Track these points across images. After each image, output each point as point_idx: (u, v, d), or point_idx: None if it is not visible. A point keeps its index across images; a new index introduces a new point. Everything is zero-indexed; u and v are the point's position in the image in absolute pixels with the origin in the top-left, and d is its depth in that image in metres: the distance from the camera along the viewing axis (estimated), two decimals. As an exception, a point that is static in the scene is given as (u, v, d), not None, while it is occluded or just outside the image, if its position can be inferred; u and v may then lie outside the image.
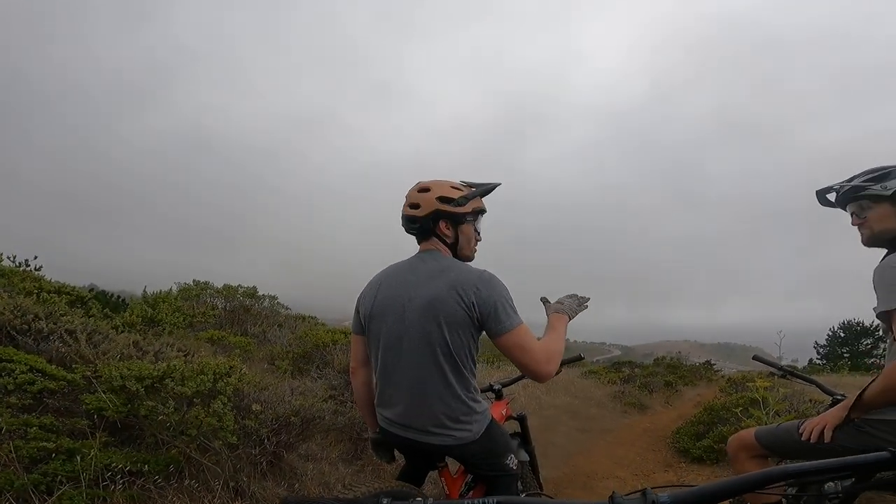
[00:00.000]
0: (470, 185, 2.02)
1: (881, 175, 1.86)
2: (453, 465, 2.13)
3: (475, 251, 2.06)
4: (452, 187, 1.96)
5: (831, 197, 2.03)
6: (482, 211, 2.05)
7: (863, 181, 1.89)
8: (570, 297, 2.10)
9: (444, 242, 1.98)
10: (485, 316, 1.81)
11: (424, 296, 1.85)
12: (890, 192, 1.82)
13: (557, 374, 2.87)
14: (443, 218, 1.94)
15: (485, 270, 1.90)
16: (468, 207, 1.96)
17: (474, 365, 1.92)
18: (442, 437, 1.88)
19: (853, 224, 1.96)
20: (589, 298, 2.12)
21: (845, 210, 1.99)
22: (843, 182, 1.96)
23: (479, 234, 2.06)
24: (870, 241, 1.91)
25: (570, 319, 2.04)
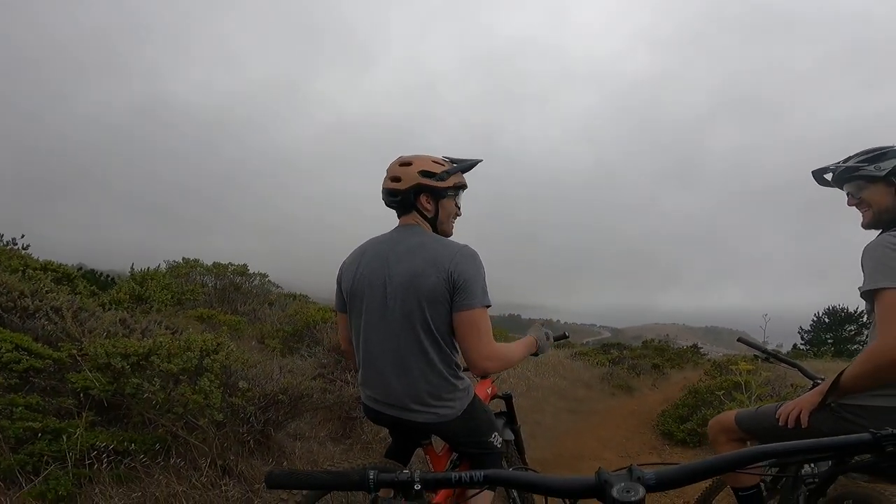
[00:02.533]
0: (452, 161, 2.01)
1: (876, 155, 1.85)
2: (438, 443, 2.15)
3: (453, 226, 2.07)
4: (434, 161, 1.95)
5: (828, 177, 2.03)
6: (463, 186, 2.03)
7: (857, 162, 1.88)
8: (547, 334, 2.22)
9: (425, 217, 1.97)
10: (456, 287, 1.80)
11: (405, 272, 1.84)
12: (884, 172, 1.81)
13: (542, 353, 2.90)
14: (424, 192, 1.93)
15: (466, 245, 1.90)
16: (449, 182, 1.95)
17: (455, 342, 1.92)
18: (425, 415, 1.89)
19: (849, 205, 1.96)
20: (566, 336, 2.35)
21: (842, 189, 1.98)
22: (838, 162, 1.96)
23: (459, 209, 2.06)
24: (871, 223, 1.90)
25: (535, 352, 2.15)
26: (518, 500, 2.60)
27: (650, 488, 0.74)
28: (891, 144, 1.85)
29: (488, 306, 1.84)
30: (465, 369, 2.60)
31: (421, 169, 1.91)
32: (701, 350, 22.40)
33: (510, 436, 2.69)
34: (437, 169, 1.94)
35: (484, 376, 2.66)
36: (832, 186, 2.02)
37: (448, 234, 2.04)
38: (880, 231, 1.87)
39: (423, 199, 1.94)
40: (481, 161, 2.05)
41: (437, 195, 1.96)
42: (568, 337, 3.21)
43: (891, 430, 0.79)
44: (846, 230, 2.00)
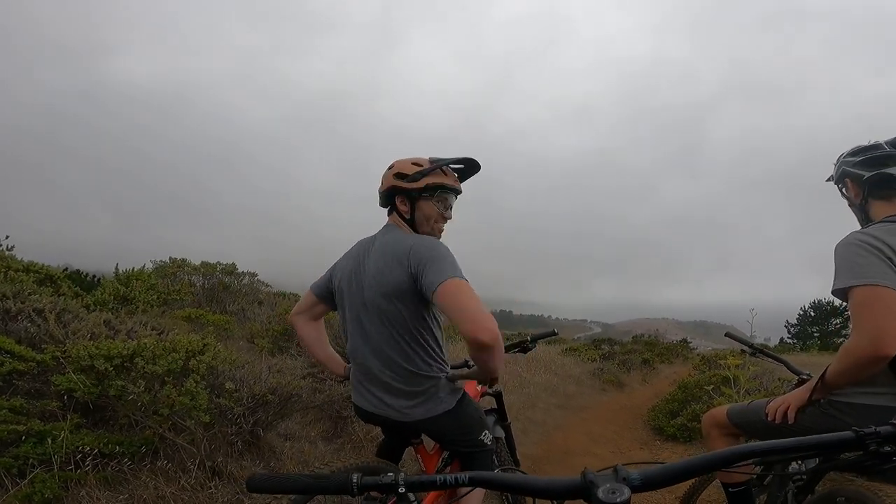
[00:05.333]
0: (434, 161, 1.98)
1: (860, 153, 1.87)
2: (430, 442, 2.15)
3: (441, 230, 2.01)
4: (413, 163, 1.95)
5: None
6: (442, 187, 1.95)
7: (844, 159, 1.92)
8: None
9: (403, 218, 1.98)
10: (419, 274, 1.75)
11: (373, 270, 1.88)
12: (833, 179, 1.91)
13: (530, 349, 2.86)
14: (398, 194, 1.95)
15: (430, 237, 1.90)
16: (421, 183, 1.92)
17: (434, 336, 1.92)
18: (407, 412, 1.90)
19: (843, 198, 2.00)
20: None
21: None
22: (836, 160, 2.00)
23: (446, 211, 2.00)
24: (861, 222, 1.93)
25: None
26: (509, 499, 2.61)
27: (635, 489, 0.74)
28: (876, 140, 1.86)
29: (465, 280, 1.71)
30: (458, 367, 2.59)
31: (397, 171, 1.94)
32: (690, 345, 22.64)
33: (500, 433, 2.70)
34: (412, 170, 1.93)
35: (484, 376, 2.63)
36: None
37: (434, 236, 2.00)
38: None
39: (398, 200, 1.96)
40: (457, 159, 2.00)
41: (411, 197, 1.95)
42: (556, 333, 3.24)
43: (874, 427, 0.79)
44: (852, 221, 2.04)
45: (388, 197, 1.98)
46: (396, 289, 1.82)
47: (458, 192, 2.02)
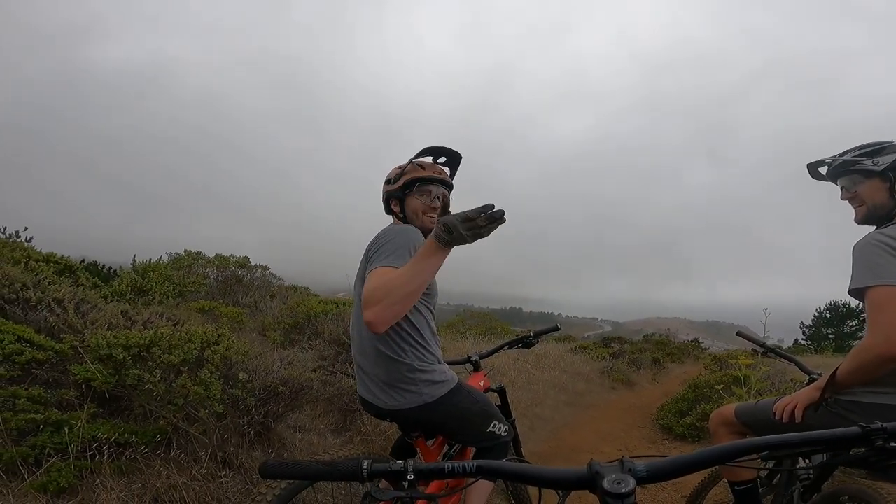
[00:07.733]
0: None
1: (874, 150, 1.86)
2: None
3: (432, 220, 2.06)
4: (397, 167, 2.09)
5: (823, 171, 2.04)
6: (420, 180, 2.05)
7: (854, 155, 1.89)
8: (466, 217, 1.43)
9: (398, 218, 2.11)
10: (370, 261, 1.83)
11: (362, 262, 1.98)
12: (882, 167, 1.82)
13: (533, 344, 2.85)
14: (390, 198, 2.11)
15: (400, 225, 1.96)
16: (401, 182, 2.05)
17: (411, 322, 1.94)
18: (386, 400, 1.94)
19: (842, 199, 1.98)
20: (497, 213, 1.42)
21: (836, 184, 2.00)
22: (835, 156, 1.97)
23: (432, 202, 2.06)
24: (865, 219, 1.92)
25: (450, 245, 1.49)
26: (513, 492, 2.63)
27: (641, 480, 0.75)
28: (889, 140, 1.86)
29: (387, 267, 1.68)
30: (461, 362, 2.62)
31: (385, 179, 2.11)
32: (702, 344, 22.50)
33: None
34: (394, 174, 2.08)
35: (476, 369, 2.64)
36: (825, 180, 2.04)
37: (428, 229, 2.05)
38: (875, 229, 1.89)
39: (391, 204, 2.12)
40: (427, 148, 2.04)
41: (398, 197, 2.09)
42: (559, 328, 3.27)
43: (880, 423, 0.80)
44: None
45: (386, 204, 2.13)
46: (362, 275, 1.94)
47: (439, 181, 2.08)
